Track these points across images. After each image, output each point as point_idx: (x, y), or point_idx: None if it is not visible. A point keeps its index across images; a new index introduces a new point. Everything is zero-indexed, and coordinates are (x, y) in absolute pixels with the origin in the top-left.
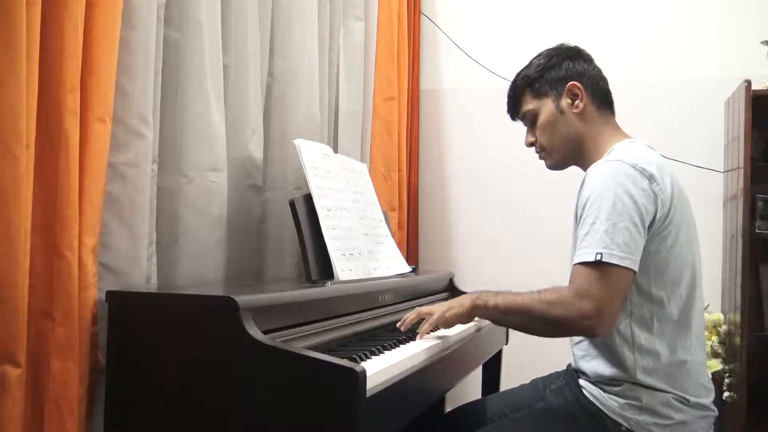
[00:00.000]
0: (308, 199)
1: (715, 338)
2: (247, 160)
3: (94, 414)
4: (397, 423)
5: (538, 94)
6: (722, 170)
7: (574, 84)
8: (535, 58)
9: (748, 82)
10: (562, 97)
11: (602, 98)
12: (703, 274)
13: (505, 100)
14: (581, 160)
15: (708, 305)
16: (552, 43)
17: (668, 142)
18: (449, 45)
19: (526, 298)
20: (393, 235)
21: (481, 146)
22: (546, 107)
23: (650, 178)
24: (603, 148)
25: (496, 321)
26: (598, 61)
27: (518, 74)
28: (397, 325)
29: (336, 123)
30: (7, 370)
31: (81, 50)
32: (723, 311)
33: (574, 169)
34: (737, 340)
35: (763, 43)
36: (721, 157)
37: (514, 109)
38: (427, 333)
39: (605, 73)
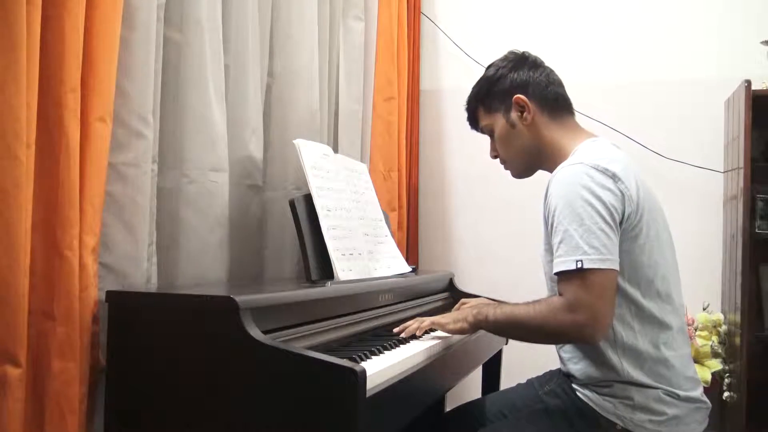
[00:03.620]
0: (308, 199)
1: (715, 338)
2: (247, 160)
3: (95, 414)
4: (397, 423)
5: (490, 110)
6: (722, 170)
7: (518, 97)
8: (485, 70)
9: (748, 82)
10: (510, 110)
11: (553, 103)
12: (703, 274)
13: None
14: (545, 165)
15: (708, 305)
16: (552, 44)
17: (668, 142)
18: (449, 45)
19: (522, 310)
20: (393, 235)
21: (481, 146)
22: (498, 122)
23: (614, 176)
24: (565, 150)
25: (496, 333)
26: (599, 61)
27: (471, 91)
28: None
29: (336, 123)
30: (7, 370)
31: (81, 50)
32: (723, 311)
33: None
34: (737, 340)
35: (763, 43)
36: (721, 157)
37: (473, 124)
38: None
39: (606, 72)
